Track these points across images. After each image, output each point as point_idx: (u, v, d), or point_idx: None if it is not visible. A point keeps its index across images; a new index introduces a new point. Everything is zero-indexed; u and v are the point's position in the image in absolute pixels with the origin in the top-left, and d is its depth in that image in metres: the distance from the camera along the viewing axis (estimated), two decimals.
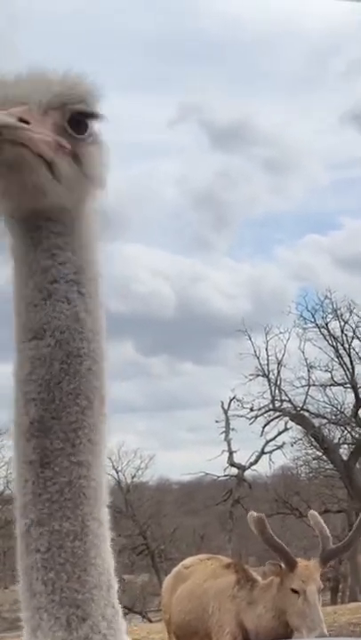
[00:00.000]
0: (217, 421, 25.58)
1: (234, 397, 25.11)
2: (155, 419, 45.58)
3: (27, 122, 1.37)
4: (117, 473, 28.50)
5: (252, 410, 24.67)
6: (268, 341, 24.78)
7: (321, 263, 36.75)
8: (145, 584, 26.21)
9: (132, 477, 29.02)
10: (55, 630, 1.33)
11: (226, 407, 25.34)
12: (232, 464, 25.84)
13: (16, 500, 1.39)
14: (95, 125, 1.51)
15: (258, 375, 24.58)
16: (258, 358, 24.66)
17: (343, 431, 24.55)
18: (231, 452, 25.79)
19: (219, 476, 26.73)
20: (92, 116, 1.50)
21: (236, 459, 25.89)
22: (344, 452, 24.19)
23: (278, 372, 24.67)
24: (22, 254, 1.45)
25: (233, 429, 25.58)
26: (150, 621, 21.51)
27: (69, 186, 1.43)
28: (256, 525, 6.57)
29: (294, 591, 6.38)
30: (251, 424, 24.79)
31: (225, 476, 26.54)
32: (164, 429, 42.44)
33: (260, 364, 24.63)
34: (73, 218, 1.47)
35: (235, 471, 26.08)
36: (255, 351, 24.68)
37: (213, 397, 34.95)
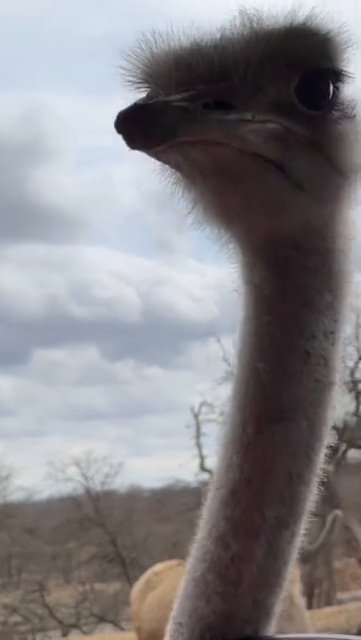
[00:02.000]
0: (188, 426, 25.37)
1: (204, 401, 24.92)
2: (123, 425, 45.34)
3: (227, 105, 0.94)
4: (87, 480, 28.27)
5: (222, 414, 24.49)
6: None
7: None
8: (117, 592, 25.83)
9: (102, 484, 28.78)
10: None
11: (196, 412, 25.14)
12: (204, 469, 25.61)
13: None
14: (342, 92, 1.02)
15: (228, 378, 24.38)
16: (227, 362, 24.42)
17: None
18: (203, 458, 25.56)
19: (190, 482, 26.53)
20: (334, 75, 1.01)
21: (208, 464, 25.67)
22: None
23: None
24: (267, 298, 1.04)
25: (203, 434, 25.37)
26: (123, 630, 21.33)
27: (317, 191, 1.00)
28: None
29: None
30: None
31: (197, 481, 26.32)
32: (132, 436, 42.19)
33: (230, 367, 24.43)
34: (329, 240, 1.05)
35: (207, 476, 25.84)
36: (224, 354, 24.43)
37: (182, 402, 34.79)
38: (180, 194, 1.04)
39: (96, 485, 28.51)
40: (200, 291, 38.06)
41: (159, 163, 1.01)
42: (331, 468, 23.39)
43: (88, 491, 28.06)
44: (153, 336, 37.56)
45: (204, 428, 25.36)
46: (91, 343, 42.11)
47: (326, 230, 1.05)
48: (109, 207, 40.66)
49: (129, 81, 1.02)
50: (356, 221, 1.09)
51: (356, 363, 24.18)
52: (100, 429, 45.23)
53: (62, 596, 27.62)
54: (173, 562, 8.04)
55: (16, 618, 26.41)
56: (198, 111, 0.91)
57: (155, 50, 0.99)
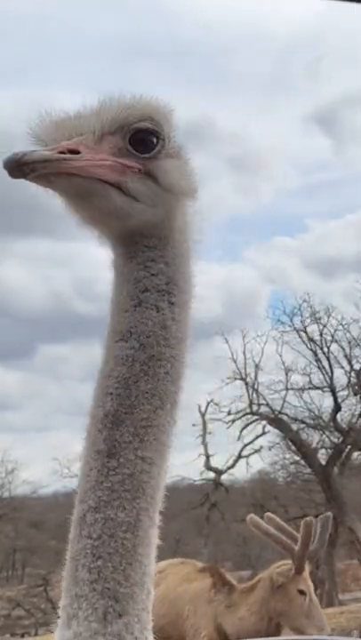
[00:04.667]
0: (194, 425, 25.39)
1: (211, 401, 24.95)
2: None
3: (76, 152, 1.47)
4: None
5: (229, 413, 24.49)
6: (245, 344, 24.62)
7: (290, 265, 36.41)
8: None
9: None
10: (91, 621, 1.33)
11: (203, 411, 25.16)
12: (209, 468, 25.68)
13: (78, 488, 1.44)
14: (167, 141, 1.59)
15: (235, 379, 24.40)
16: (235, 362, 24.47)
17: (321, 435, 24.44)
18: (208, 456, 25.60)
19: (195, 480, 26.57)
20: (152, 132, 1.57)
21: (213, 463, 25.76)
22: (322, 456, 24.07)
23: (256, 376, 24.52)
24: (120, 266, 1.57)
25: (210, 433, 25.42)
26: None
27: (150, 202, 1.53)
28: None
29: (302, 592, 6.24)
30: (228, 428, 24.60)
31: (202, 480, 26.37)
32: None
33: (238, 367, 24.44)
34: (165, 231, 1.57)
35: (212, 475, 25.92)
36: (232, 354, 24.48)
37: (186, 401, 34.53)
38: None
39: None
40: (203, 289, 37.85)
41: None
42: (335, 469, 23.44)
43: None
44: None
45: (210, 427, 25.38)
46: (96, 339, 41.96)
47: (163, 224, 1.56)
48: None
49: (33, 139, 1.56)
50: (190, 219, 1.63)
51: None
52: None
53: None
54: (176, 560, 8.08)
55: (19, 612, 26.53)
56: (54, 156, 1.45)
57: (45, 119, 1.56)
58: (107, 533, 1.37)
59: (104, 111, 1.55)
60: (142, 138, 1.55)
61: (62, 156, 1.44)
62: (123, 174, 1.50)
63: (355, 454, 24.44)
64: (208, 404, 25.02)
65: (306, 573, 6.44)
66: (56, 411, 41.50)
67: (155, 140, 1.56)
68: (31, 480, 30.16)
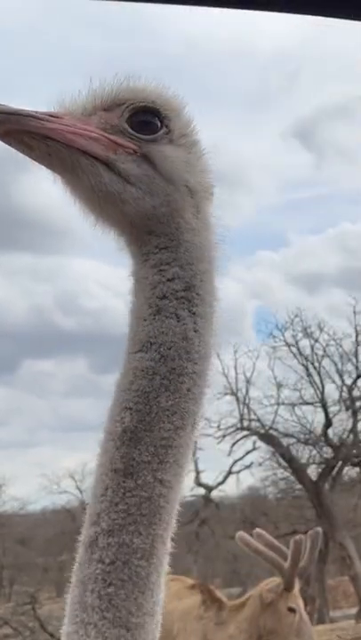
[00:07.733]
0: None
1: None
2: None
3: (56, 117, 1.38)
4: (81, 493, 28.16)
5: (219, 428, 24.36)
6: (236, 359, 24.51)
7: (274, 280, 36.26)
8: None
9: None
10: None
11: None
12: (199, 484, 25.49)
13: (89, 508, 1.36)
14: (173, 128, 1.48)
15: (226, 394, 24.28)
16: (226, 376, 24.35)
17: (312, 451, 24.32)
18: (198, 472, 25.44)
19: (185, 496, 26.40)
20: (153, 113, 1.47)
21: (203, 479, 25.58)
22: (313, 472, 23.96)
23: (247, 391, 24.40)
24: (136, 270, 1.47)
25: (200, 448, 25.28)
26: None
27: (145, 188, 1.42)
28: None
29: (292, 610, 6.15)
30: (218, 443, 24.45)
31: (191, 496, 26.21)
32: None
33: (228, 382, 24.32)
34: (176, 230, 1.45)
35: (202, 491, 25.75)
36: (223, 369, 24.36)
37: None
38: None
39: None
40: None
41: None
42: (326, 485, 23.31)
43: (82, 503, 27.93)
44: None
45: (199, 442, 25.23)
46: (79, 355, 41.84)
47: (169, 221, 1.45)
48: None
49: None
50: (210, 225, 1.53)
51: (355, 380, 24.10)
52: (89, 441, 45.05)
53: (54, 608, 27.45)
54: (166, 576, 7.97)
55: (7, 630, 26.24)
56: (21, 110, 1.36)
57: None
58: (121, 559, 1.29)
59: (100, 88, 1.48)
60: (143, 120, 1.45)
61: (32, 112, 1.34)
62: (112, 151, 1.41)
63: (346, 470, 24.36)
64: None
65: (296, 591, 6.34)
66: (40, 426, 41.30)
67: (158, 124, 1.46)
68: (19, 496, 29.97)
